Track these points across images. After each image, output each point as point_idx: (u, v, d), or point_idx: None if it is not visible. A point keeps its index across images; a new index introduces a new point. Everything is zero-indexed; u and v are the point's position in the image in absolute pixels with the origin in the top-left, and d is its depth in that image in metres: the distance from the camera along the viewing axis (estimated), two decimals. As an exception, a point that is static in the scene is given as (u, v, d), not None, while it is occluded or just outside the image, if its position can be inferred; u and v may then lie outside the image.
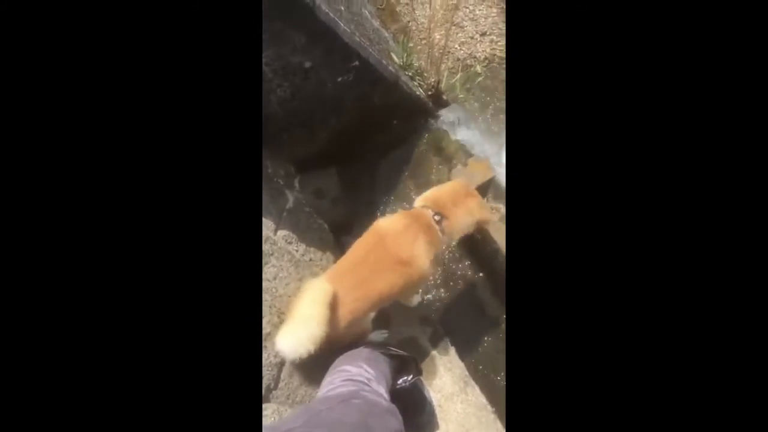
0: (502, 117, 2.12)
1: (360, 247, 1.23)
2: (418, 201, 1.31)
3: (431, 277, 1.30)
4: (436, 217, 1.24)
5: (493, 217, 1.34)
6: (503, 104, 2.16)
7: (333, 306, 1.07)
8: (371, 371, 0.99)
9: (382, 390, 0.96)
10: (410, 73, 2.00)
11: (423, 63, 2.04)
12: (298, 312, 1.03)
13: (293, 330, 1.00)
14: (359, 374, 0.95)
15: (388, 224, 1.24)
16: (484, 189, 1.76)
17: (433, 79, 2.01)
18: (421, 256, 1.20)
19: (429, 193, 1.31)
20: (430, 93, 2.04)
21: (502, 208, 1.89)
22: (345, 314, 1.10)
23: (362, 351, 1.11)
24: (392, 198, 1.95)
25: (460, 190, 1.32)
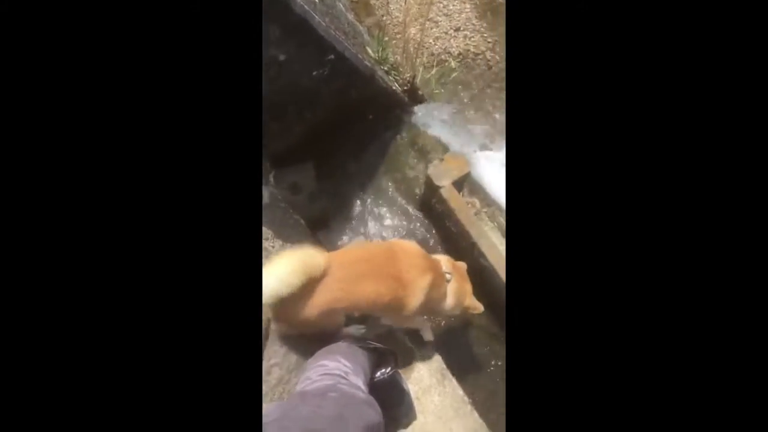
0: (477, 112, 2.15)
1: (369, 248, 1.24)
2: (439, 256, 1.37)
3: (406, 319, 1.30)
4: (448, 276, 1.29)
5: (480, 308, 1.39)
6: (478, 99, 2.19)
7: (317, 278, 1.07)
8: (349, 365, 0.99)
9: (360, 383, 0.96)
10: (386, 68, 2.00)
11: (398, 58, 2.04)
12: (280, 258, 1.04)
13: (266, 270, 1.01)
14: (336, 368, 0.95)
15: (408, 244, 1.27)
16: (459, 184, 1.78)
17: (408, 74, 2.02)
18: (419, 288, 1.19)
19: (449, 258, 1.37)
20: (405, 88, 2.04)
21: (477, 203, 1.92)
22: (324, 297, 1.09)
23: (340, 345, 1.11)
24: (369, 193, 1.95)
25: (466, 273, 1.40)
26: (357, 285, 1.14)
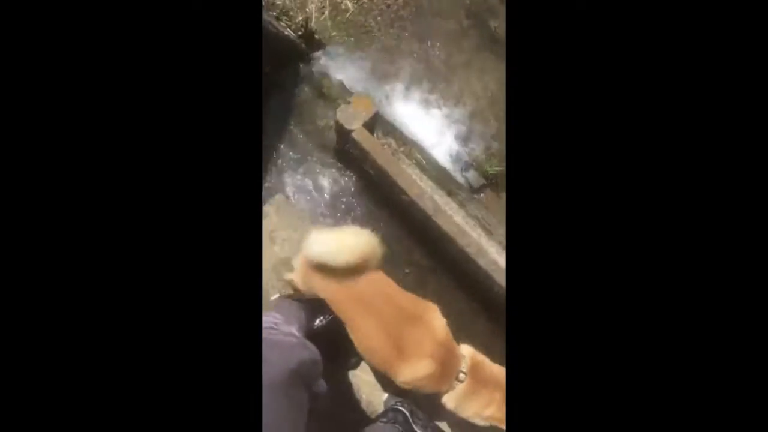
0: (380, 53, 2.10)
1: (399, 296, 1.08)
2: (466, 350, 1.12)
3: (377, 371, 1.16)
4: (461, 375, 1.06)
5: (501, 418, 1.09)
6: (379, 39, 2.13)
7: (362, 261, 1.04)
8: (279, 316, 0.97)
9: (293, 330, 0.95)
10: (275, 13, 1.87)
11: (287, 1, 1.91)
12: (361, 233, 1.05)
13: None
14: (266, 322, 0.93)
15: (438, 322, 1.08)
16: (370, 125, 1.76)
17: (300, 18, 1.90)
18: (411, 371, 1.03)
19: (475, 355, 1.12)
20: (300, 33, 1.93)
21: (393, 142, 1.92)
22: (332, 290, 1.05)
23: (272, 301, 1.09)
24: (281, 148, 1.87)
25: (500, 377, 1.09)
26: (363, 313, 1.03)
